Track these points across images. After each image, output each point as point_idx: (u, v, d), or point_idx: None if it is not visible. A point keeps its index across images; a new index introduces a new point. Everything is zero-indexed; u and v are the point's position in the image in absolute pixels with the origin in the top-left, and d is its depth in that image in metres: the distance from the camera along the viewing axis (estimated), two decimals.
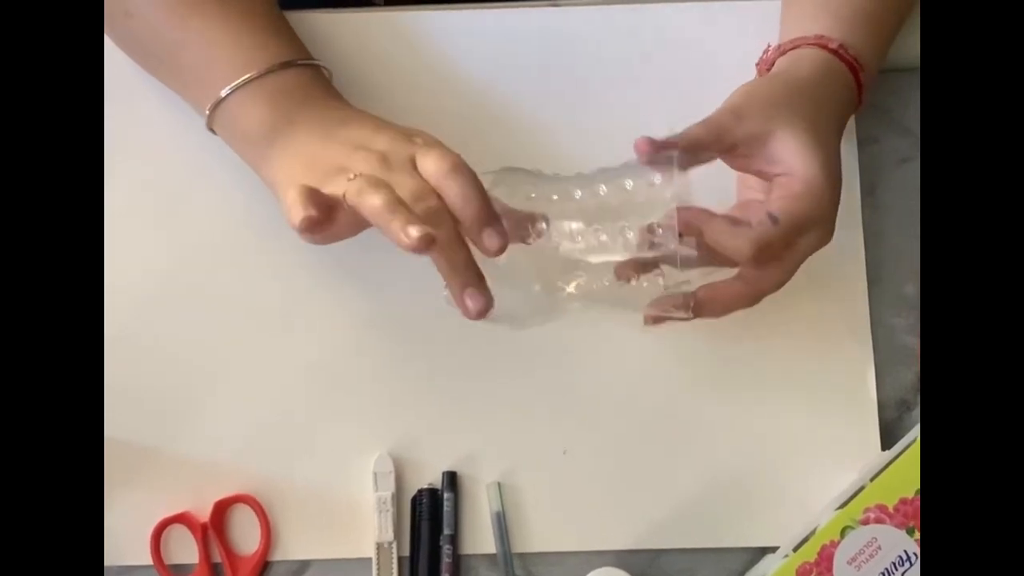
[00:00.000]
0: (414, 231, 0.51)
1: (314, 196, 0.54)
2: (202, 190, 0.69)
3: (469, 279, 0.56)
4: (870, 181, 0.70)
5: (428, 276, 0.68)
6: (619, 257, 0.57)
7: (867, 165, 0.70)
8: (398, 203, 0.53)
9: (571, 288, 0.59)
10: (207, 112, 0.63)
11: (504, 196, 0.58)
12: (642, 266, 0.58)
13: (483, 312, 0.56)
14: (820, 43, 0.61)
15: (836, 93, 0.61)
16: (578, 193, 0.58)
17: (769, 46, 0.65)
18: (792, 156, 0.56)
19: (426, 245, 0.51)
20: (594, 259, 0.58)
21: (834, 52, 0.61)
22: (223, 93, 0.61)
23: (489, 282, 0.57)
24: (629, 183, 0.57)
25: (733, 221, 0.56)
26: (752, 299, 0.58)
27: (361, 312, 0.68)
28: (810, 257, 0.66)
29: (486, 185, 0.57)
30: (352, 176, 0.55)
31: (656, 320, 0.58)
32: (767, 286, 0.58)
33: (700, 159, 0.57)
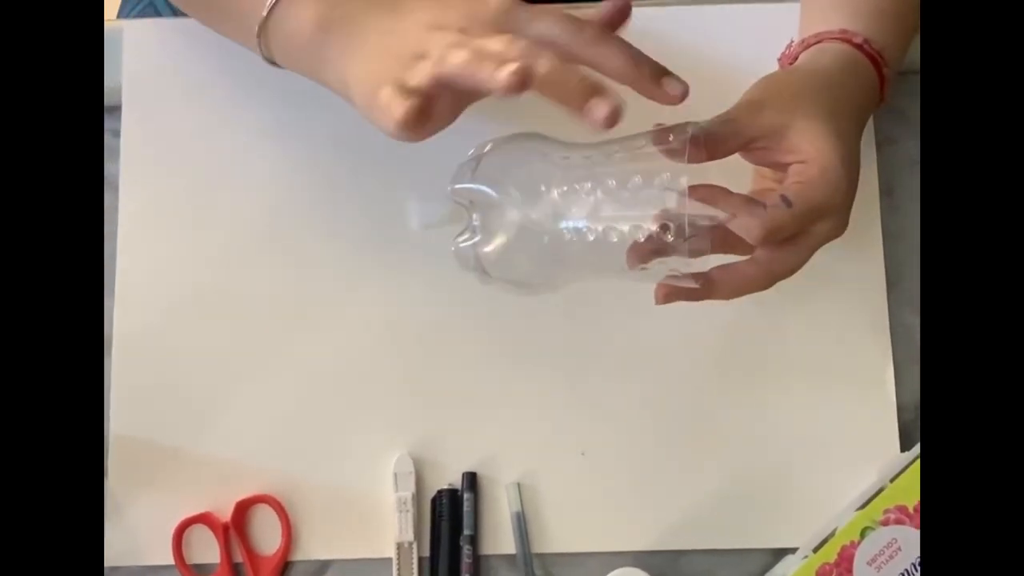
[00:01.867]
0: (505, 71, 0.48)
1: (406, 89, 0.51)
2: (224, 192, 0.70)
3: (588, 91, 0.50)
4: (888, 182, 0.70)
5: (448, 277, 0.69)
6: (628, 215, 0.57)
7: (885, 166, 0.70)
8: (484, 54, 0.50)
9: (573, 255, 0.58)
10: (257, 36, 0.59)
11: (516, 161, 0.58)
12: (654, 251, 0.57)
13: (616, 115, 0.50)
14: (844, 37, 0.61)
15: (858, 87, 0.61)
16: (586, 158, 0.58)
17: (792, 41, 0.65)
18: (809, 144, 0.56)
19: (521, 81, 0.48)
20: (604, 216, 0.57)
21: (858, 47, 0.61)
22: (267, 5, 0.58)
23: (500, 249, 0.57)
24: (641, 141, 0.57)
25: (748, 200, 0.56)
26: (764, 282, 0.58)
27: (382, 313, 0.69)
28: (829, 259, 0.66)
29: (488, 150, 0.58)
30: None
31: (667, 295, 0.58)
32: (779, 270, 0.58)
33: (717, 153, 0.57)
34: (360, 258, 0.69)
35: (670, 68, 0.57)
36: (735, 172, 0.60)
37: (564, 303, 0.68)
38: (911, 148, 0.71)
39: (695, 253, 0.57)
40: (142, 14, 0.81)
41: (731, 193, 0.57)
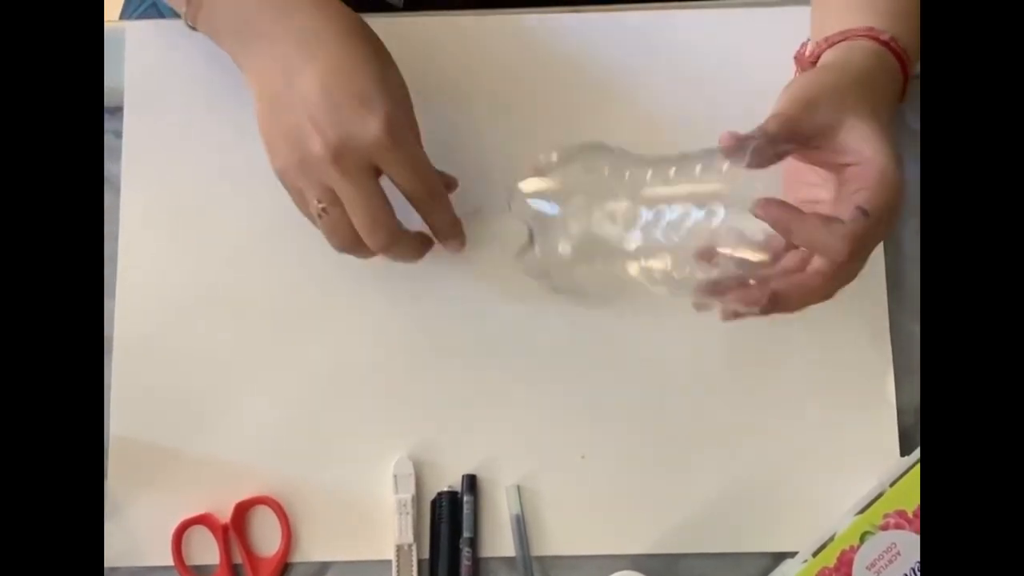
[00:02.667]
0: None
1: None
2: (226, 193, 0.70)
3: (447, 237, 0.64)
4: None
5: (450, 282, 0.69)
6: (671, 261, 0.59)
7: None
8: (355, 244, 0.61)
9: (634, 271, 0.59)
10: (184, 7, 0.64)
11: (580, 172, 0.59)
12: (730, 288, 0.56)
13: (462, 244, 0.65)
14: (871, 35, 0.61)
15: (889, 85, 0.61)
16: (649, 173, 0.58)
17: (807, 40, 0.65)
18: (865, 145, 0.56)
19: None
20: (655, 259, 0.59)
21: (885, 44, 0.61)
22: None
23: (564, 259, 0.59)
24: (698, 168, 0.57)
25: (825, 219, 0.55)
26: (829, 292, 0.57)
27: (382, 316, 0.69)
28: None
29: (552, 161, 0.61)
30: (317, 204, 0.60)
31: (735, 314, 0.57)
32: (846, 279, 0.57)
33: (777, 153, 0.56)
34: (362, 262, 0.69)
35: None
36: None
37: (565, 307, 0.68)
38: (910, 153, 0.71)
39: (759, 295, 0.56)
40: (144, 15, 0.81)
41: (804, 213, 0.55)
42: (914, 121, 0.71)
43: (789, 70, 0.66)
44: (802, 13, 0.68)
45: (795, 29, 0.67)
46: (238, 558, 0.66)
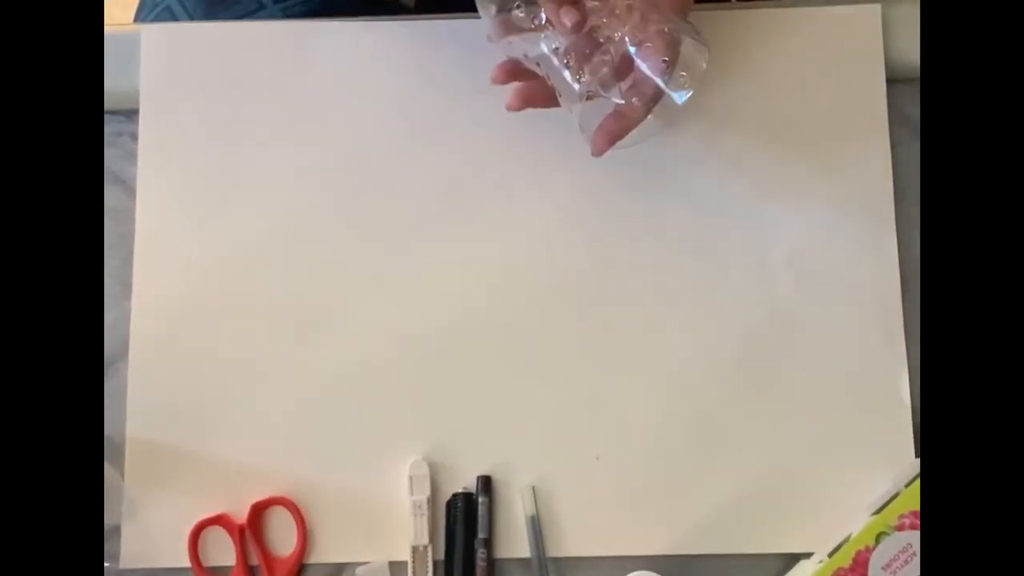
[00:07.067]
0: None
1: None
2: (241, 195, 0.70)
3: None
4: (900, 189, 0.70)
5: (465, 283, 0.69)
6: None
7: (896, 174, 0.70)
8: None
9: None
10: None
11: None
12: None
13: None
14: None
15: None
16: None
17: None
18: None
19: None
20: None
21: None
22: None
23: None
24: None
25: None
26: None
27: (399, 318, 0.69)
28: (844, 263, 0.67)
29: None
30: None
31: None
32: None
33: None
34: (377, 262, 0.69)
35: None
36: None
37: (580, 306, 0.68)
38: (919, 155, 0.71)
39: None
40: (159, 18, 0.82)
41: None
42: (913, 109, 0.71)
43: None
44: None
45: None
46: (254, 559, 0.66)
